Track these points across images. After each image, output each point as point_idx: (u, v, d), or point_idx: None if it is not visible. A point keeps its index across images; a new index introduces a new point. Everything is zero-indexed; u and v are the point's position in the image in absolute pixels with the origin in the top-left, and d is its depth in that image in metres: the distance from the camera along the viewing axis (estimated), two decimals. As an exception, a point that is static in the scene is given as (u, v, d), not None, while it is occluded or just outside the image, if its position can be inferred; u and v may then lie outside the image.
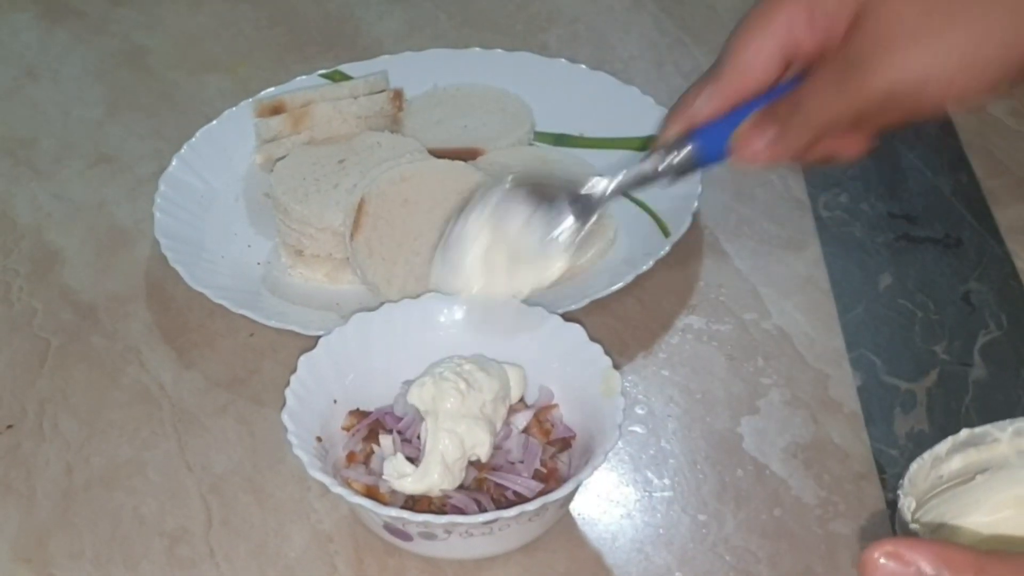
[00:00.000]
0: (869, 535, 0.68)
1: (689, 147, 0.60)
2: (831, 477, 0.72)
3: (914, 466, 0.56)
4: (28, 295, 0.87)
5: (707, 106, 0.59)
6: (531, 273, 0.63)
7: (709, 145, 0.60)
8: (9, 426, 0.77)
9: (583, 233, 0.62)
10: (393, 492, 0.66)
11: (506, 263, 0.63)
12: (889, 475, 0.71)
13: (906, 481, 0.56)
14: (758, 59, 0.57)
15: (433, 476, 0.65)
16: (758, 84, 0.58)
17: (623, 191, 0.62)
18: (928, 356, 0.78)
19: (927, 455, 0.56)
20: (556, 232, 0.62)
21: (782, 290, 0.84)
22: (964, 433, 0.57)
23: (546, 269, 0.63)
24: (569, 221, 0.62)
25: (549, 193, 0.62)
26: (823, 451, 0.73)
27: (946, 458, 0.57)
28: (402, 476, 0.65)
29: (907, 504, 0.55)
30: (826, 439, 0.74)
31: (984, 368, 0.77)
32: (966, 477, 0.57)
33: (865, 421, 0.75)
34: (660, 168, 0.60)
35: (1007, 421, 0.57)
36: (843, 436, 0.74)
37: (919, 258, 0.86)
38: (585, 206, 0.62)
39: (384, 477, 0.66)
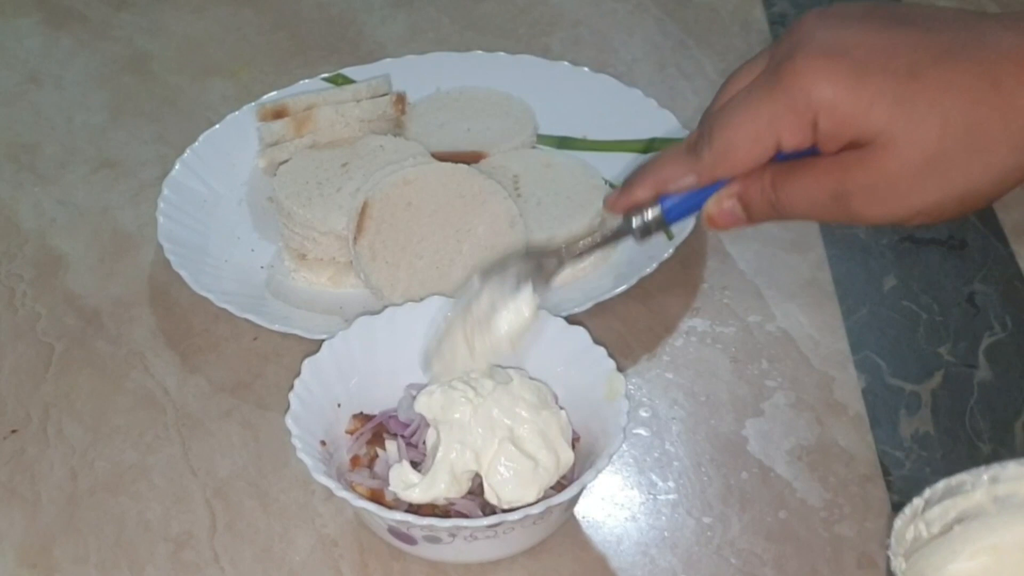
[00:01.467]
0: (874, 537, 0.68)
1: (658, 210, 0.60)
2: (836, 479, 0.71)
3: (898, 522, 0.56)
4: (32, 300, 0.87)
5: (683, 182, 0.59)
6: (492, 343, 0.66)
7: (676, 210, 0.60)
8: (13, 431, 0.77)
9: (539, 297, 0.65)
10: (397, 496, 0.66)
11: (471, 343, 0.66)
12: (895, 477, 0.71)
13: (893, 539, 0.55)
14: (743, 148, 0.56)
15: (440, 486, 0.65)
16: (739, 170, 0.57)
17: (582, 255, 0.65)
18: (933, 358, 0.78)
19: (908, 509, 0.56)
20: (513, 303, 0.65)
21: (786, 292, 0.84)
22: (942, 484, 0.57)
23: (502, 333, 0.65)
24: (527, 291, 0.65)
25: (511, 273, 0.65)
26: (828, 453, 0.73)
27: (925, 510, 0.56)
28: (408, 487, 0.65)
29: (898, 565, 0.55)
30: (831, 441, 0.74)
31: (989, 370, 0.77)
32: (945, 528, 0.56)
33: (870, 423, 0.75)
34: (634, 229, 0.61)
35: (982, 468, 0.57)
36: (848, 438, 0.74)
37: (923, 260, 0.86)
38: (545, 274, 0.65)
39: (390, 487, 0.66)
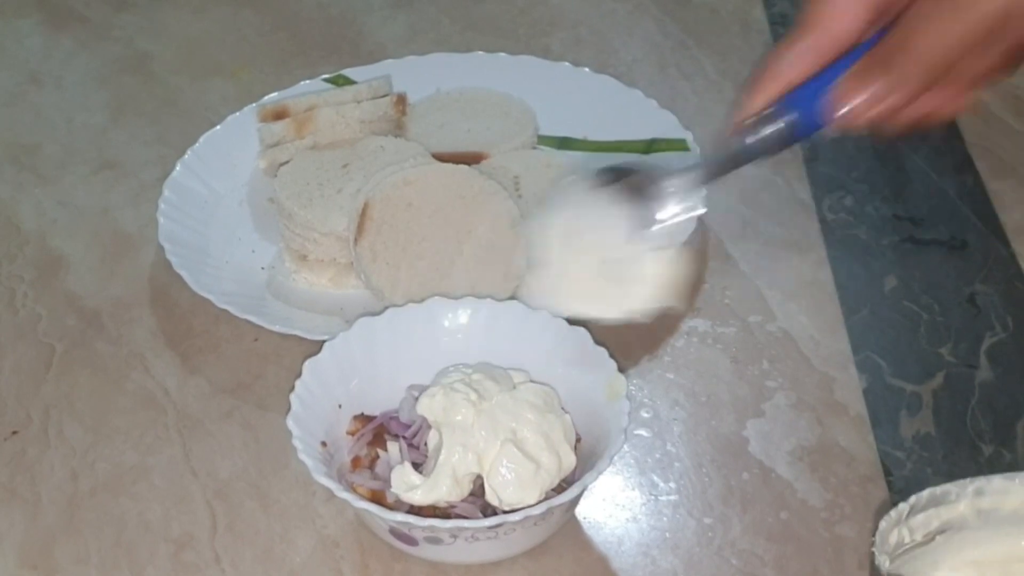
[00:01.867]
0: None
1: (784, 116, 0.54)
2: (837, 480, 0.71)
3: (883, 524, 0.56)
4: (33, 301, 0.87)
5: (798, 65, 0.54)
6: (631, 284, 0.59)
7: (805, 111, 0.54)
8: (14, 432, 0.77)
9: (677, 223, 0.58)
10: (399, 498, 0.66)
11: (605, 277, 0.59)
12: (895, 477, 0.71)
13: (878, 538, 0.56)
14: (847, 6, 0.53)
15: (442, 489, 0.65)
16: (849, 35, 0.53)
17: (718, 175, 0.58)
18: (934, 358, 0.78)
19: (893, 512, 0.56)
20: (649, 233, 0.58)
21: (787, 293, 0.84)
22: (927, 492, 0.57)
23: (643, 275, 0.58)
24: (662, 215, 0.58)
25: (635, 187, 0.58)
26: (829, 454, 0.73)
27: (909, 517, 0.56)
28: (410, 488, 0.65)
29: (883, 562, 0.55)
30: (832, 442, 0.74)
31: (990, 370, 0.77)
32: (927, 537, 0.56)
33: (871, 424, 0.75)
34: (754, 143, 0.55)
35: (968, 480, 0.57)
36: (849, 439, 0.74)
37: (924, 260, 0.86)
38: (678, 196, 0.58)
39: (392, 489, 0.66)
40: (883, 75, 0.53)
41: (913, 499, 0.56)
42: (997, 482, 0.56)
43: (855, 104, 0.54)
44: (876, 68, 0.53)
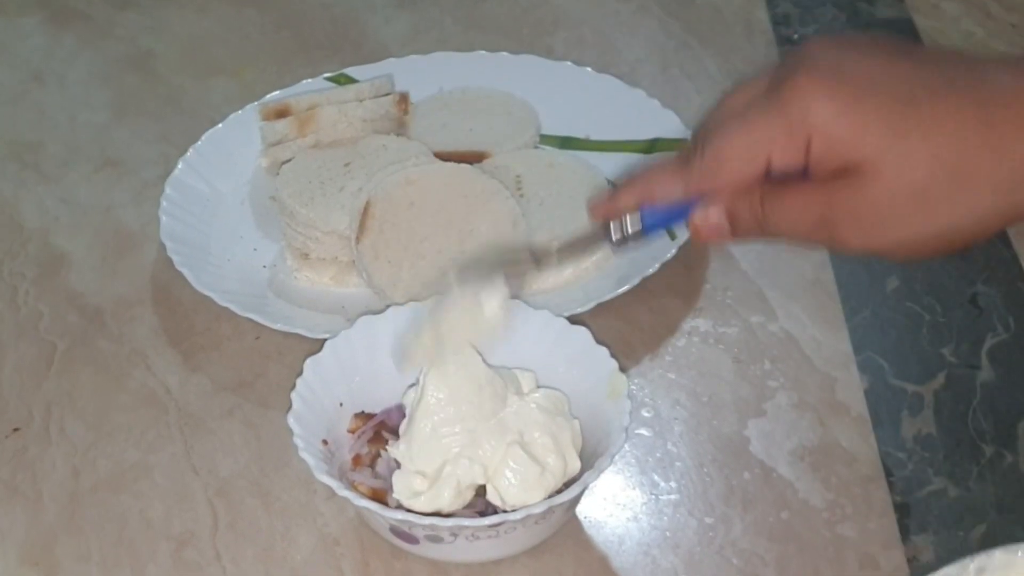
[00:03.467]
0: (876, 538, 0.68)
1: (637, 220, 0.60)
2: (838, 480, 0.71)
3: None
4: (35, 299, 0.87)
5: (670, 192, 0.59)
6: (458, 337, 0.66)
7: (655, 221, 0.60)
8: (16, 429, 0.78)
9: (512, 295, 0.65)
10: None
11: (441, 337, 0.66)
12: (897, 478, 0.71)
13: None
14: (734, 162, 0.56)
15: (444, 498, 0.65)
16: (728, 184, 0.57)
17: (563, 261, 0.65)
18: (935, 359, 0.78)
19: None
20: (483, 298, 0.65)
21: (789, 293, 0.84)
22: None
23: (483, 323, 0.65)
24: (499, 285, 0.65)
25: (484, 270, 0.65)
26: (830, 454, 0.73)
27: None
28: (413, 496, 0.65)
29: None
30: (833, 442, 0.74)
31: (992, 371, 0.77)
32: None
33: (872, 424, 0.75)
34: (612, 239, 0.60)
35: (968, 558, 0.55)
36: (850, 439, 0.74)
37: (926, 261, 0.85)
38: (518, 273, 0.65)
39: (394, 495, 0.65)
40: (732, 228, 0.58)
41: None
42: (999, 556, 0.55)
43: (704, 235, 0.59)
44: (729, 215, 0.58)
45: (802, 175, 0.55)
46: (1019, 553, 0.54)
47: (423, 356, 0.66)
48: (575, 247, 0.64)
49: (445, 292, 0.65)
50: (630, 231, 0.60)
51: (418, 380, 0.68)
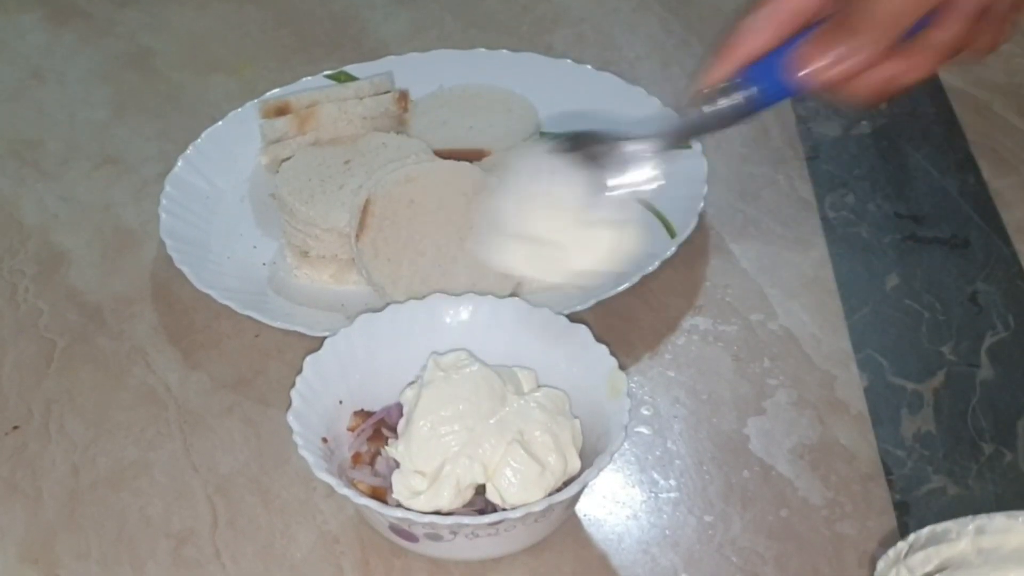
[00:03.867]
0: (876, 536, 0.68)
1: (742, 90, 0.55)
2: (838, 478, 0.71)
3: (881, 563, 0.55)
4: (34, 296, 0.87)
5: (758, 36, 0.54)
6: (577, 249, 0.58)
7: (765, 82, 0.55)
8: (15, 427, 0.78)
9: (636, 189, 0.58)
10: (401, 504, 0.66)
11: (553, 240, 0.59)
12: (896, 476, 0.71)
13: None
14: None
15: (444, 498, 0.65)
16: (808, 8, 0.54)
17: (677, 144, 0.58)
18: (935, 357, 0.78)
19: (891, 551, 0.55)
20: (602, 200, 0.57)
21: (788, 291, 0.84)
22: (927, 530, 0.56)
23: (589, 242, 0.58)
24: (617, 182, 0.57)
25: (591, 154, 0.58)
26: (830, 452, 0.73)
27: (908, 555, 0.56)
28: (413, 496, 0.65)
29: None
30: (833, 440, 0.74)
31: (991, 369, 0.77)
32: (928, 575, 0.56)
33: (872, 422, 0.75)
34: (711, 114, 0.55)
35: (969, 518, 0.56)
36: (850, 437, 0.74)
37: (926, 259, 0.86)
38: (635, 164, 0.58)
39: (394, 495, 0.65)
40: (845, 38, 0.54)
41: (912, 537, 0.56)
42: (999, 520, 0.55)
43: (816, 67, 0.54)
44: (838, 31, 0.54)
45: None
46: (1019, 519, 0.54)
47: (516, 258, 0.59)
48: (684, 132, 0.57)
49: (549, 171, 0.57)
50: (731, 103, 0.54)
51: (416, 379, 0.68)
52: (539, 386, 0.69)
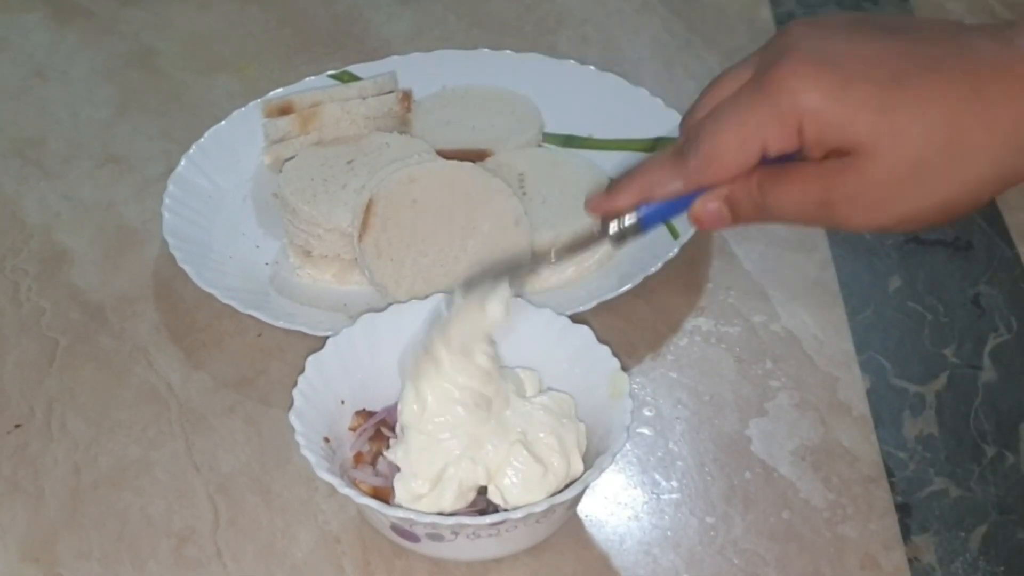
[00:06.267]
0: (878, 538, 0.68)
1: (635, 217, 0.60)
2: (840, 480, 0.71)
3: None
4: (37, 295, 0.87)
5: (668, 188, 0.58)
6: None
7: (653, 216, 0.60)
8: (17, 425, 0.78)
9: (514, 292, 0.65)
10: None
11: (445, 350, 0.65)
12: (898, 478, 0.71)
13: None
14: (729, 154, 0.56)
15: (446, 500, 0.65)
16: (726, 176, 0.57)
17: (562, 259, 0.65)
18: (937, 359, 0.78)
19: None
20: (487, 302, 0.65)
21: (791, 292, 0.84)
22: None
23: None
24: (503, 289, 0.65)
25: (491, 281, 0.65)
26: (832, 454, 0.73)
27: None
28: (415, 499, 0.65)
29: None
30: (835, 442, 0.74)
31: (994, 371, 0.77)
32: None
33: (874, 424, 0.74)
34: (610, 235, 0.60)
35: None
36: (852, 439, 0.74)
37: (929, 261, 0.86)
38: (519, 276, 0.66)
39: (396, 499, 0.65)
40: (733, 214, 0.58)
41: None
42: None
43: (705, 221, 0.59)
44: (729, 203, 0.58)
45: (798, 153, 0.55)
46: None
47: (428, 365, 0.66)
48: (574, 246, 0.64)
49: (448, 303, 0.65)
50: (628, 226, 0.60)
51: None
52: (545, 389, 0.69)
